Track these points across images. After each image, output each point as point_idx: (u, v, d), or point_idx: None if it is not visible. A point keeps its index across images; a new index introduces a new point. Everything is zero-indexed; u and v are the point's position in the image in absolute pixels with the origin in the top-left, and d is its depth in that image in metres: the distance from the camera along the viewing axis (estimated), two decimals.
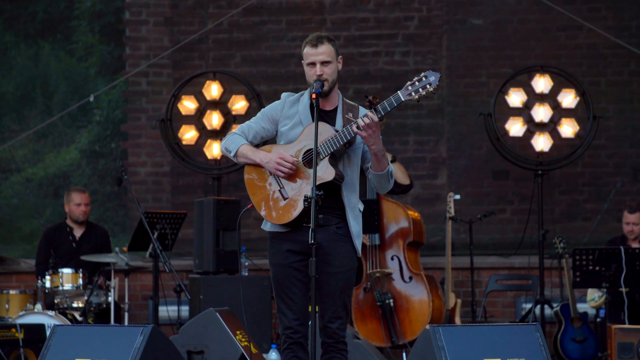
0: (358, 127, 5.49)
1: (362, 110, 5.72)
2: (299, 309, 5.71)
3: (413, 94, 5.52)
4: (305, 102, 5.76)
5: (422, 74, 5.55)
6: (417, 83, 5.53)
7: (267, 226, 5.78)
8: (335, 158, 5.64)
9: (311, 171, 5.55)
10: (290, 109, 5.77)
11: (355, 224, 5.71)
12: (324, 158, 5.58)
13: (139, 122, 11.52)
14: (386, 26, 11.37)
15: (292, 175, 5.67)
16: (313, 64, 5.66)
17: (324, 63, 5.66)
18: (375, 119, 5.48)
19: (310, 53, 5.67)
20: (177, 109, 10.57)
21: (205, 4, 11.45)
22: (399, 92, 5.55)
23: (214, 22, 11.31)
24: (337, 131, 5.60)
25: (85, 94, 11.28)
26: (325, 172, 5.58)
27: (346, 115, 5.69)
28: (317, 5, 11.40)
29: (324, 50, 5.65)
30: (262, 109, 5.90)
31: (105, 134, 11.60)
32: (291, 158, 5.65)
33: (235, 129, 5.91)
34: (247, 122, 5.87)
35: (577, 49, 11.26)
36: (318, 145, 5.55)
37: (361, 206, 5.77)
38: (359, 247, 5.75)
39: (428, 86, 5.51)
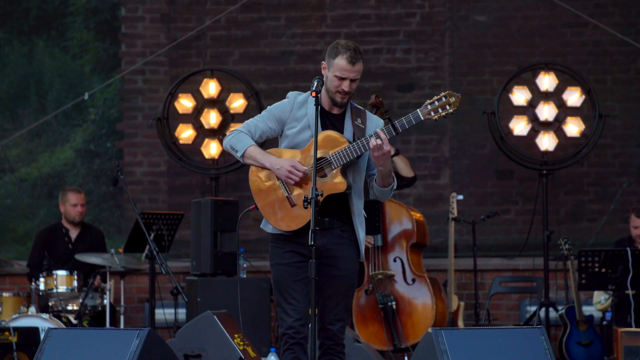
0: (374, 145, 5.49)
1: (370, 116, 5.76)
2: (301, 309, 5.68)
3: (432, 113, 5.58)
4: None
5: (442, 93, 5.58)
6: (436, 102, 5.57)
7: (268, 228, 5.75)
8: (345, 167, 5.63)
9: (321, 180, 5.55)
10: (298, 111, 5.71)
11: (361, 230, 5.72)
12: (335, 169, 5.58)
13: (135, 120, 11.54)
14: (387, 23, 11.37)
15: (301, 182, 5.63)
16: (343, 78, 5.57)
17: (353, 80, 5.61)
18: (387, 143, 5.48)
19: (346, 68, 5.58)
20: (174, 107, 10.60)
21: (202, 0, 11.37)
22: (418, 110, 5.60)
23: (212, 18, 11.32)
24: (350, 143, 5.58)
25: (80, 92, 11.32)
26: (339, 183, 5.58)
27: (355, 122, 5.67)
28: (317, 2, 11.41)
29: (359, 69, 5.62)
30: (269, 108, 5.81)
31: (100, 133, 11.59)
32: (303, 167, 5.60)
33: (240, 125, 5.81)
34: (253, 120, 5.77)
35: (583, 46, 11.29)
36: (330, 156, 5.56)
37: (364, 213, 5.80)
38: (362, 252, 5.77)
39: (447, 106, 5.55)
